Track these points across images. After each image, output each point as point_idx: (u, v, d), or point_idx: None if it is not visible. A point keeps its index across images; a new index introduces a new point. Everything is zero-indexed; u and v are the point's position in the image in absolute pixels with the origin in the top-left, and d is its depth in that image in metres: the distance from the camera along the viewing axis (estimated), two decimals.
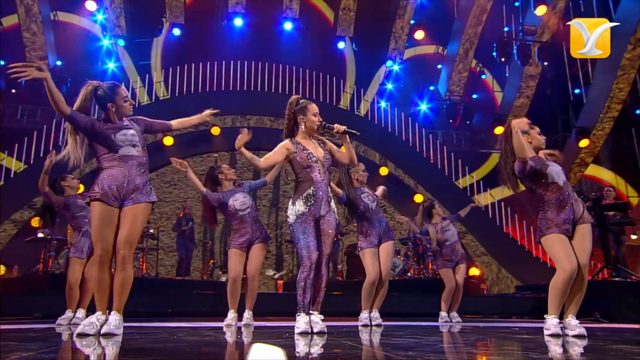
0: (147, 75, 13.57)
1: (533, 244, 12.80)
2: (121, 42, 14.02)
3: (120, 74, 14.67)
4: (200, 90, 13.02)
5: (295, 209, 3.47)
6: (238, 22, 13.73)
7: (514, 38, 13.18)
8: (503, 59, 12.54)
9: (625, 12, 12.29)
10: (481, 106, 15.01)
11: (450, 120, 13.48)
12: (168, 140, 12.22)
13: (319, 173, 3.53)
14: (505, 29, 14.38)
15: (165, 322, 5.31)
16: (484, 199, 13.04)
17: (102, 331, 2.93)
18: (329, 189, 3.64)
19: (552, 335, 3.27)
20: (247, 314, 4.73)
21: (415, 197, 12.50)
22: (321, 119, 3.64)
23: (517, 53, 12.19)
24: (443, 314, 5.84)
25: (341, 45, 14.34)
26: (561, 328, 3.39)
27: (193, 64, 13.11)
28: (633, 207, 11.02)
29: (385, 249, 4.74)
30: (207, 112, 3.65)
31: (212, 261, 9.16)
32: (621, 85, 12.44)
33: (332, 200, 3.65)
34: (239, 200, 4.71)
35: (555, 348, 2.71)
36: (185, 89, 12.98)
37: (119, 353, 2.34)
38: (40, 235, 8.49)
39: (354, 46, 14.03)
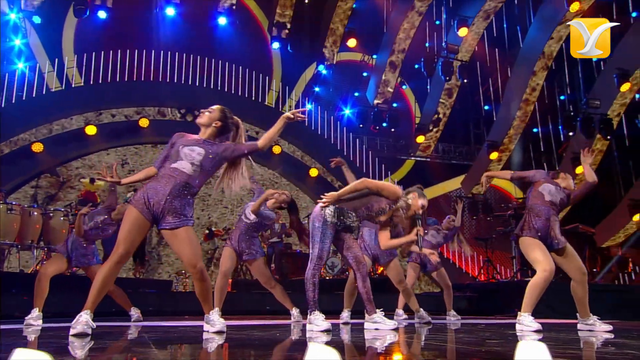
0: (58, 59, 12.63)
1: (445, 247, 13.87)
2: (37, 19, 12.88)
3: (28, 52, 13.48)
4: (126, 79, 12.41)
5: (327, 212, 3.74)
6: (170, 11, 13.24)
7: (436, 54, 14.17)
8: (430, 74, 13.46)
9: (532, 41, 13.77)
10: (401, 115, 15.90)
11: (377, 127, 14.16)
12: (90, 130, 11.54)
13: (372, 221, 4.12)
14: (427, 44, 15.40)
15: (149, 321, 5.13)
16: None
17: (217, 329, 3.20)
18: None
19: (537, 331, 3.67)
20: (295, 312, 4.98)
21: None
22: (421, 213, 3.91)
23: (441, 69, 13.15)
24: (400, 311, 6.07)
25: (275, 45, 14.43)
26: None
27: (119, 51, 12.43)
28: None
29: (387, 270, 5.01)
30: (288, 114, 3.39)
31: (146, 257, 8.84)
32: (525, 106, 13.94)
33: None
34: (248, 208, 4.86)
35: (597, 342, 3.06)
36: (109, 77, 12.27)
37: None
38: None
39: (288, 48, 14.19)
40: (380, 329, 3.74)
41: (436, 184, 15.28)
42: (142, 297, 7.31)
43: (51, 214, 7.73)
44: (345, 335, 3.35)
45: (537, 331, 3.71)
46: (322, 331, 3.42)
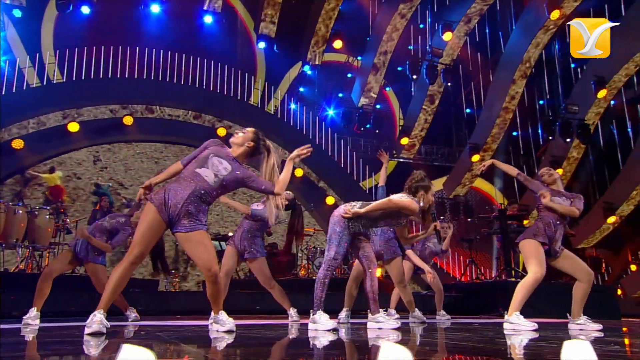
0: (37, 53, 12.36)
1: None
2: (17, 13, 12.57)
3: (5, 46, 13.15)
4: (110, 76, 12.22)
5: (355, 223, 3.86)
6: (155, 8, 13.09)
7: (420, 57, 14.35)
8: (415, 77, 13.62)
9: (514, 46, 14.06)
10: (384, 117, 16.05)
11: (361, 128, 14.24)
12: (73, 127, 11.35)
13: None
14: (410, 47, 15.58)
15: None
16: None
17: (227, 328, 3.25)
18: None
19: (534, 331, 3.78)
20: (293, 312, 5.01)
21: (327, 200, 13.02)
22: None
23: (426, 72, 13.32)
24: (392, 311, 6.15)
25: (262, 45, 14.41)
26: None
27: (103, 47, 12.24)
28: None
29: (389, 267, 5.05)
30: (294, 155, 3.50)
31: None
32: (506, 112, 14.25)
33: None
34: (259, 207, 4.87)
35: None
36: (92, 74, 12.07)
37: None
38: None
39: (275, 48, 14.19)
40: (383, 328, 3.80)
41: None
42: (130, 296, 7.23)
43: (36, 212, 7.59)
44: (347, 335, 3.39)
45: (534, 330, 3.81)
46: (328, 330, 3.47)
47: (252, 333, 3.45)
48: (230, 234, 9.31)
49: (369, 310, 3.95)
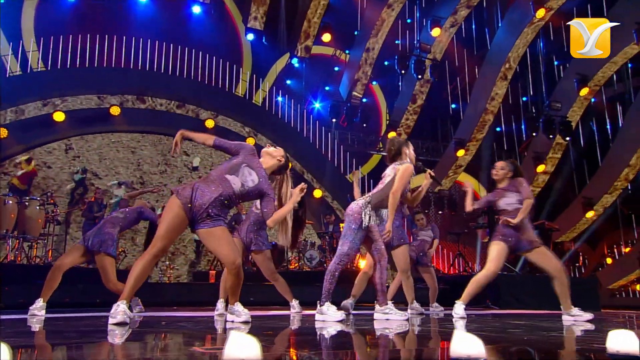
0: (17, 41, 12.05)
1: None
2: None
3: None
4: (96, 65, 12.00)
5: (365, 217, 3.93)
6: None
7: (408, 52, 14.45)
8: (403, 72, 13.72)
9: (500, 44, 14.28)
10: (370, 111, 16.15)
11: (346, 122, 14.30)
12: (59, 116, 11.13)
13: None
14: (397, 41, 15.67)
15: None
16: None
17: (243, 319, 3.29)
18: None
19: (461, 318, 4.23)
20: (295, 303, 5.05)
21: (314, 193, 13.06)
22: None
23: (414, 67, 13.43)
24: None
25: (250, 36, 14.34)
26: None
27: (89, 35, 12.00)
28: None
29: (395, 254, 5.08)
30: (297, 191, 3.49)
31: (121, 249, 8.67)
32: (491, 108, 14.48)
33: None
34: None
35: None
36: (78, 62, 11.83)
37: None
38: None
39: (263, 40, 14.13)
40: (391, 319, 3.89)
41: None
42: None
43: (27, 203, 7.49)
44: (352, 326, 3.47)
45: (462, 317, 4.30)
46: (337, 321, 3.56)
47: (266, 324, 3.50)
48: None
49: (376, 302, 4.03)
